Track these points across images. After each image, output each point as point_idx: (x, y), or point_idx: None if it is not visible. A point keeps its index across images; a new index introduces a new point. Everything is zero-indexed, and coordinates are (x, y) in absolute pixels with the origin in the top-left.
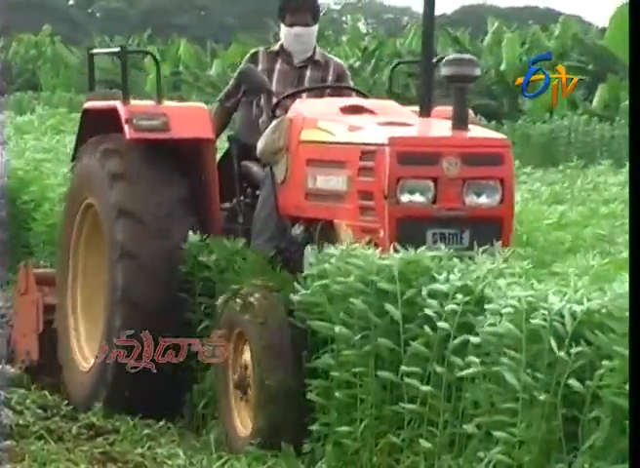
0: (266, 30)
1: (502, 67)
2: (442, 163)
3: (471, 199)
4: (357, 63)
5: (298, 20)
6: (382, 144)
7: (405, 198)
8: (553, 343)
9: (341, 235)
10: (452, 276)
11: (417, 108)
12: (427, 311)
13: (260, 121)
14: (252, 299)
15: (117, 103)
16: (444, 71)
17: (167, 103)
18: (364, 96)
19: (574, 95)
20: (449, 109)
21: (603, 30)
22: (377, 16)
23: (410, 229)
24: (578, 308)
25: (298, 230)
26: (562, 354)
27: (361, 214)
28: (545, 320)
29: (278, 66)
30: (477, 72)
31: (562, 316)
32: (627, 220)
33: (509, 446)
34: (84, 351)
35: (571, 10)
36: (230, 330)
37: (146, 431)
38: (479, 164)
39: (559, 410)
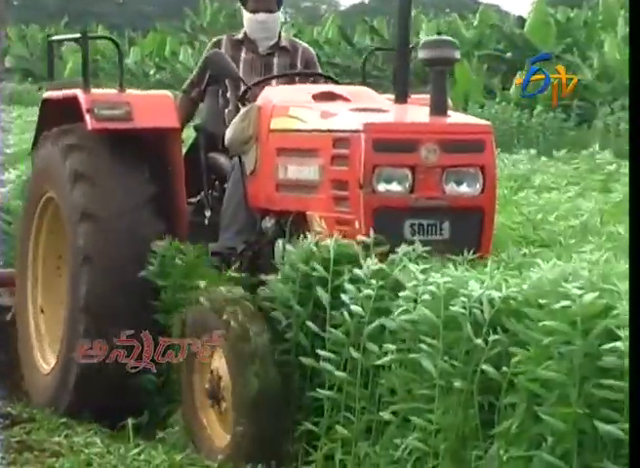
0: (184, 19)
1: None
2: (420, 150)
3: (451, 188)
4: None
5: (261, 6)
6: (357, 131)
7: (381, 187)
8: (470, 330)
9: (314, 227)
10: (369, 260)
11: (391, 96)
12: (343, 296)
13: (227, 111)
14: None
15: (78, 92)
16: (422, 54)
17: (130, 92)
18: (335, 82)
19: (492, 82)
20: (425, 97)
21: (520, 19)
22: (295, 5)
23: (387, 220)
24: (495, 295)
25: (268, 223)
26: (479, 341)
27: (335, 205)
28: (465, 307)
29: (243, 55)
30: (457, 55)
31: (481, 303)
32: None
33: (426, 432)
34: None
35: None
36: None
37: (63, 419)
38: (459, 151)
39: (475, 397)
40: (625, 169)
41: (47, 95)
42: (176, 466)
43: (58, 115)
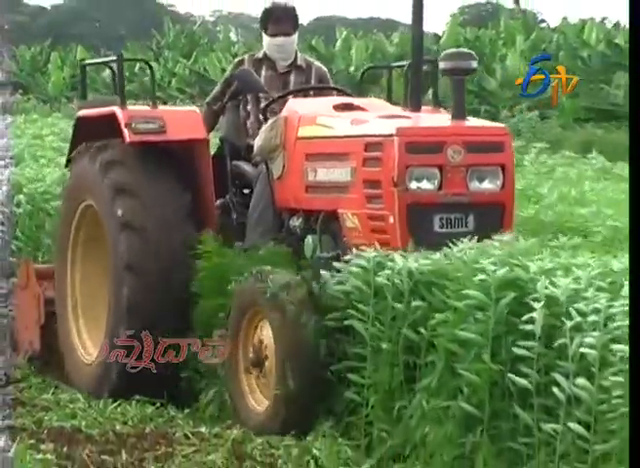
0: (151, 39)
1: (352, 69)
2: (447, 151)
3: (475, 185)
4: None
5: (279, 31)
6: (390, 135)
7: (413, 185)
8: (389, 298)
9: (347, 223)
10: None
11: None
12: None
13: (249, 123)
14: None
15: (115, 109)
16: (442, 65)
17: (162, 107)
18: (348, 95)
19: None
20: (428, 108)
21: (436, 36)
22: (245, 26)
23: (418, 215)
24: (414, 266)
25: (297, 221)
26: (400, 306)
27: (367, 203)
28: (389, 278)
29: (263, 73)
30: (474, 65)
31: (401, 274)
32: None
33: (359, 387)
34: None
35: (408, 20)
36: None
37: (49, 379)
38: (481, 151)
39: (400, 357)
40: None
41: (81, 113)
42: (146, 418)
43: (93, 131)
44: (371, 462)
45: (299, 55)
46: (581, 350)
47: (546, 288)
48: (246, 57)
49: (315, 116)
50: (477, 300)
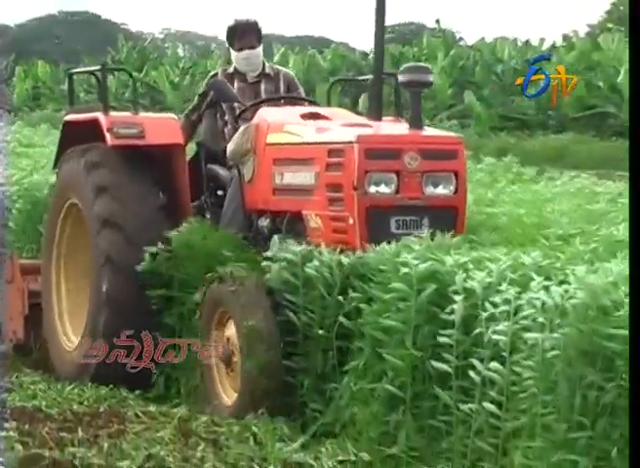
0: (106, 55)
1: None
2: (404, 158)
3: (429, 189)
4: (177, 79)
5: (245, 44)
6: (351, 142)
7: (372, 189)
8: (322, 289)
9: (310, 223)
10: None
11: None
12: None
13: (226, 130)
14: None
15: (99, 114)
16: (401, 78)
17: (142, 114)
18: (315, 103)
19: (344, 101)
20: (390, 118)
21: (364, 53)
22: (192, 42)
23: (376, 217)
24: (345, 260)
25: (264, 222)
26: (329, 298)
27: (329, 205)
28: (317, 271)
29: (236, 84)
30: (430, 78)
31: (331, 267)
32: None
33: (294, 371)
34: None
35: (340, 38)
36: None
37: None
38: (436, 158)
39: (333, 343)
40: None
41: (68, 118)
42: (100, 398)
43: (78, 135)
44: (305, 438)
45: (266, 64)
46: (494, 337)
47: (465, 280)
48: (219, 70)
49: (283, 124)
50: (400, 292)
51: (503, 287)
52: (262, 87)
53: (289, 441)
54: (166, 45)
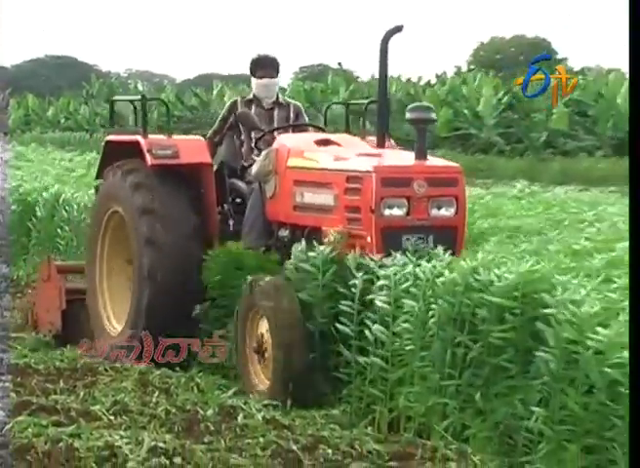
0: (82, 89)
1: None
2: (413, 185)
3: (434, 212)
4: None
5: (266, 74)
6: (369, 171)
7: (387, 212)
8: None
9: (330, 238)
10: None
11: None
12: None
13: (243, 150)
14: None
15: (139, 137)
16: (409, 115)
17: (175, 137)
18: (323, 130)
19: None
20: (373, 138)
21: (282, 88)
22: (149, 79)
23: (389, 235)
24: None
25: (284, 232)
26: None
27: (348, 223)
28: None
29: (253, 109)
30: (434, 116)
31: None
32: None
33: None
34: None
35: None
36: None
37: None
38: (440, 185)
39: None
40: None
41: (109, 138)
42: (78, 357)
43: (118, 153)
44: (237, 387)
45: (279, 95)
46: (379, 304)
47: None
48: (238, 98)
49: (303, 150)
50: (310, 272)
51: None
52: (276, 113)
53: (225, 389)
54: (129, 81)
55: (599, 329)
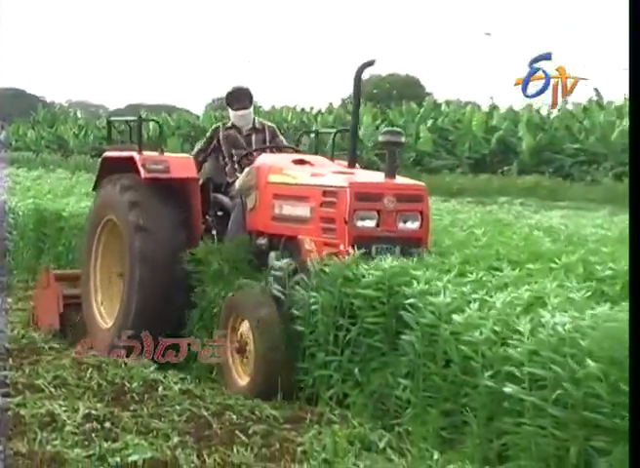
0: (29, 116)
1: (157, 133)
2: (384, 200)
3: (401, 224)
4: (76, 132)
5: (240, 106)
6: (344, 187)
7: (359, 223)
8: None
9: (305, 246)
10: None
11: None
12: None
13: (227, 168)
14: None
15: (134, 154)
16: (381, 138)
17: (166, 154)
18: (298, 151)
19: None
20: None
21: (197, 116)
22: (86, 108)
23: (361, 244)
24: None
25: (262, 241)
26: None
27: (323, 233)
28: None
29: (232, 134)
30: (403, 139)
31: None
32: None
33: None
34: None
35: (184, 105)
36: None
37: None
38: (407, 201)
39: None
40: None
41: (107, 154)
42: (30, 347)
43: (114, 167)
44: (158, 364)
45: (256, 120)
46: (275, 293)
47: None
48: (220, 125)
49: (282, 167)
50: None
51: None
52: (254, 137)
53: (148, 367)
54: (69, 110)
55: (454, 316)
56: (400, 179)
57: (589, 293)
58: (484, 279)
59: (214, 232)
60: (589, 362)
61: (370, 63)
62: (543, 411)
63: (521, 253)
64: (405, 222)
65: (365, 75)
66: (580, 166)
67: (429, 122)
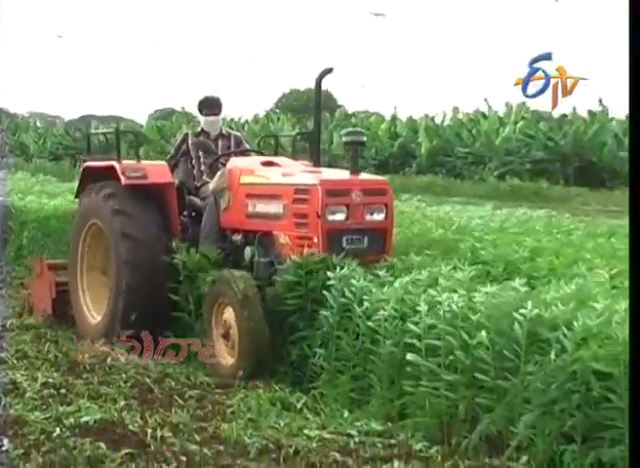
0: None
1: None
2: (352, 195)
3: (368, 217)
4: (36, 139)
5: (210, 112)
6: (315, 184)
7: (330, 217)
8: None
9: (280, 241)
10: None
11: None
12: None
13: (194, 172)
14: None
15: (114, 163)
16: (344, 138)
17: (143, 162)
18: (262, 154)
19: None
20: (305, 162)
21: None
22: (44, 118)
23: (333, 236)
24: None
25: (238, 237)
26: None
27: (296, 228)
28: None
29: (202, 140)
30: (364, 139)
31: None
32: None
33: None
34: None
35: (131, 116)
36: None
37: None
38: (373, 195)
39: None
40: None
41: (87, 164)
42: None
43: (95, 176)
44: (104, 339)
45: (222, 127)
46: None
47: None
48: (190, 132)
49: (253, 169)
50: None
51: None
52: (220, 143)
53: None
54: (30, 120)
55: (364, 296)
56: (364, 175)
57: (476, 274)
58: (395, 263)
59: (189, 230)
60: (479, 333)
61: (328, 71)
62: (437, 376)
63: (421, 241)
64: (372, 214)
65: (285, 89)
66: (469, 167)
67: (341, 131)
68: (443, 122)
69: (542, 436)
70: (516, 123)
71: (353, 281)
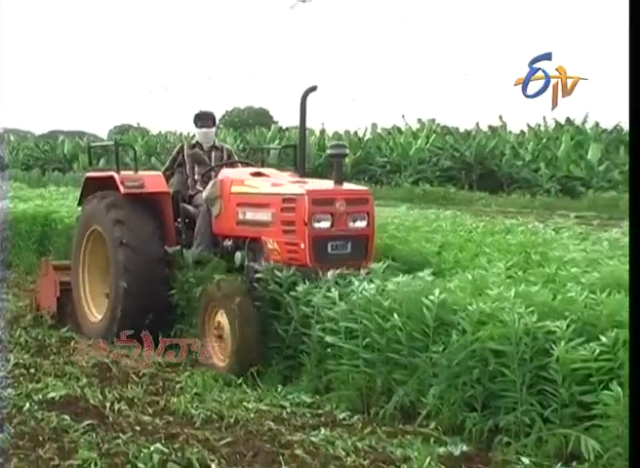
0: None
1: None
2: (336, 204)
3: (351, 224)
4: (11, 151)
5: (204, 125)
6: (302, 194)
7: (316, 225)
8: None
9: (268, 246)
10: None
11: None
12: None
13: (189, 181)
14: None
15: (113, 173)
16: (329, 151)
17: (140, 172)
18: (252, 165)
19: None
20: (285, 172)
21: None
22: (17, 133)
23: (318, 243)
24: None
25: (229, 242)
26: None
27: (284, 234)
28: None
29: (196, 151)
30: (347, 152)
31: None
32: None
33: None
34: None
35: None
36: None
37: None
38: (355, 204)
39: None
40: None
41: (89, 174)
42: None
43: (96, 185)
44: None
45: (216, 140)
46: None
47: None
48: (185, 143)
49: (243, 179)
50: None
51: None
52: (213, 154)
53: (62, 327)
54: (4, 135)
55: (297, 287)
56: (347, 185)
57: (390, 266)
58: None
59: (183, 236)
60: (393, 316)
61: (313, 89)
62: (357, 355)
63: None
64: (354, 222)
65: (229, 107)
66: (387, 174)
67: (276, 143)
68: (364, 136)
69: (448, 405)
70: (428, 136)
71: (280, 272)
